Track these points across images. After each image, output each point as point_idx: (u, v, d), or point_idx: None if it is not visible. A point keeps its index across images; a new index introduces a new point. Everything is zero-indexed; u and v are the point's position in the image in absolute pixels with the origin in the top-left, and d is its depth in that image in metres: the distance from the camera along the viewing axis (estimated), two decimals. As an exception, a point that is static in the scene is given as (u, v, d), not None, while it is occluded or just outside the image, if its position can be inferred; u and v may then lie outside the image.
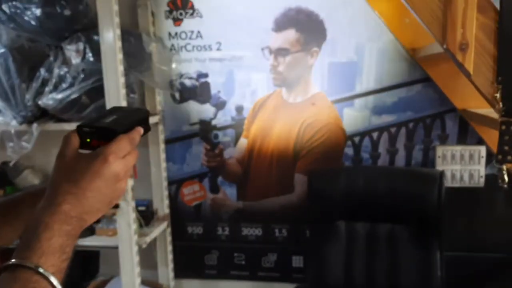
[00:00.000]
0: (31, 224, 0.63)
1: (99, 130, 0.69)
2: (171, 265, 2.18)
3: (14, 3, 1.69)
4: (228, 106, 2.04)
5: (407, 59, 1.88)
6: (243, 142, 2.06)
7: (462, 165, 1.91)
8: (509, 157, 1.23)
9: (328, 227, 1.84)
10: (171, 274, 2.19)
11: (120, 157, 0.68)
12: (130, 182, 1.77)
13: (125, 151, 0.69)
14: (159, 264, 2.18)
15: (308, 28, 1.92)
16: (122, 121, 0.72)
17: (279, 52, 1.95)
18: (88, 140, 0.69)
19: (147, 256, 2.10)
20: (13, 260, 0.59)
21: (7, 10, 1.69)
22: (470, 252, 1.98)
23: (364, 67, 1.93)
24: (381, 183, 1.78)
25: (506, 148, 1.22)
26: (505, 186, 1.30)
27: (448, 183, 1.89)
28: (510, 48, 1.19)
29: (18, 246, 0.62)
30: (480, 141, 1.88)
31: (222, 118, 2.05)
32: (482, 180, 1.90)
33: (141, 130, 0.73)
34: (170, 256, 2.17)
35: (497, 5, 1.20)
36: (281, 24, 1.93)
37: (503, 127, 1.20)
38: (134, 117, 0.76)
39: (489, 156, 1.87)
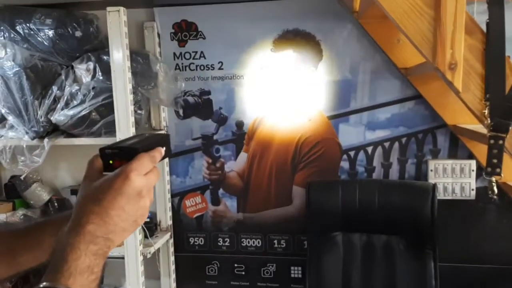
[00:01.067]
0: (58, 247, 0.63)
1: (121, 150, 0.70)
2: (173, 276, 2.22)
3: (28, 24, 1.77)
4: (229, 122, 2.10)
5: (399, 77, 1.93)
6: (243, 156, 2.12)
7: (454, 178, 1.94)
8: (497, 170, 1.25)
9: (325, 238, 1.86)
10: (174, 285, 2.23)
11: (141, 174, 0.67)
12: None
13: (147, 168, 0.68)
14: (162, 274, 2.21)
15: (305, 49, 1.98)
16: (143, 142, 0.74)
17: (278, 71, 2.02)
18: (110, 162, 0.69)
19: (150, 267, 2.13)
20: (43, 283, 0.59)
21: (22, 32, 1.77)
22: (463, 263, 2.00)
23: (359, 85, 1.99)
24: (376, 196, 1.81)
25: (495, 161, 1.24)
26: (495, 197, 1.32)
27: (441, 195, 1.92)
28: (497, 67, 1.22)
29: (47, 270, 0.61)
30: (470, 155, 1.92)
31: (223, 133, 2.11)
32: (473, 193, 1.92)
33: (161, 150, 0.73)
34: (172, 267, 2.21)
35: (484, 28, 1.26)
36: (279, 45, 2.00)
37: (492, 141, 1.23)
38: (155, 139, 0.76)
39: (480, 169, 1.90)
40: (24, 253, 0.79)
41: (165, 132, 2.11)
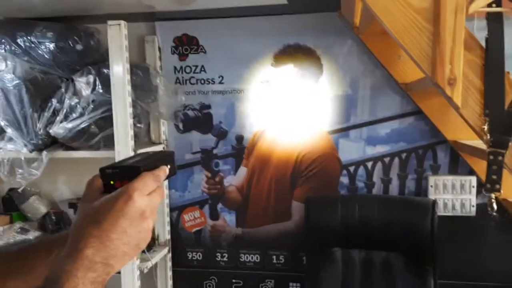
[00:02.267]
0: (52, 274, 0.58)
1: (122, 170, 0.66)
2: (171, 291, 2.20)
3: (29, 37, 1.77)
4: (229, 136, 2.10)
5: (399, 92, 1.93)
6: (242, 170, 2.12)
7: (454, 195, 1.93)
8: (497, 186, 1.25)
9: (324, 254, 1.85)
10: (171, 300, 2.21)
11: (144, 194, 0.63)
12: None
13: (150, 188, 0.64)
14: (160, 289, 2.20)
15: (305, 64, 1.99)
16: (146, 160, 0.70)
17: (278, 86, 2.02)
18: (111, 182, 0.65)
19: (147, 282, 2.11)
20: None
21: (22, 44, 1.78)
22: (463, 280, 1.98)
23: (359, 100, 1.99)
24: (376, 211, 1.81)
25: (494, 177, 1.24)
26: (494, 214, 1.32)
27: (441, 211, 1.91)
28: (496, 83, 1.22)
29: None
30: (470, 172, 1.91)
31: (223, 148, 2.11)
32: (474, 209, 1.92)
33: (166, 168, 0.69)
34: (170, 282, 2.19)
35: (483, 44, 1.27)
36: (280, 60, 2.01)
37: (491, 157, 1.23)
38: (158, 157, 0.73)
39: (480, 186, 1.89)
40: (14, 278, 0.73)
41: (168, 149, 2.12)
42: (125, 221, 0.61)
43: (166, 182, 2.12)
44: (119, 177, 0.65)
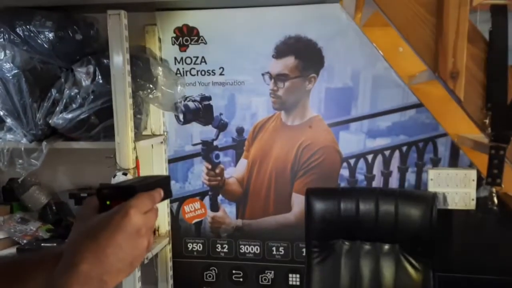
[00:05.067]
0: None
1: (118, 190, 0.68)
2: (171, 281, 2.20)
3: (28, 27, 1.76)
4: (230, 128, 2.09)
5: (400, 85, 1.93)
6: (243, 162, 2.11)
7: (454, 188, 1.93)
8: (498, 180, 1.24)
9: (324, 246, 1.86)
10: (171, 291, 2.22)
11: (141, 212, 0.64)
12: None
13: (146, 207, 0.65)
14: (159, 280, 2.20)
15: (306, 56, 1.98)
16: (142, 182, 0.71)
17: (279, 78, 2.01)
18: (108, 202, 0.66)
19: (148, 272, 2.12)
20: None
21: (21, 34, 1.76)
22: (462, 273, 1.99)
23: (360, 92, 1.99)
24: (375, 204, 1.80)
25: (495, 171, 1.22)
26: (495, 208, 1.32)
27: (441, 205, 1.91)
28: (499, 76, 1.20)
29: None
30: (471, 165, 1.91)
31: (223, 139, 2.11)
32: (473, 203, 1.92)
33: (161, 191, 0.70)
34: (170, 272, 2.20)
35: (487, 37, 1.26)
36: (281, 51, 2.00)
37: (492, 151, 1.21)
38: (154, 180, 0.74)
39: (480, 179, 1.89)
40: None
41: (167, 140, 2.11)
42: (120, 236, 0.61)
43: (166, 174, 2.12)
44: (115, 198, 0.66)
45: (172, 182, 2.16)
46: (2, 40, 1.78)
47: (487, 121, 1.23)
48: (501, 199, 1.72)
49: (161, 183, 0.73)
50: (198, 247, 2.21)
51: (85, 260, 0.58)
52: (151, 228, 0.66)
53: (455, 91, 1.22)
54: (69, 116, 1.75)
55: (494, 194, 1.31)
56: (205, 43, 2.05)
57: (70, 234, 0.64)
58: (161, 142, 2.10)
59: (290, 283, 2.17)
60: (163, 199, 0.71)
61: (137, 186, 0.67)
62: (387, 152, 2.01)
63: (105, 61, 1.78)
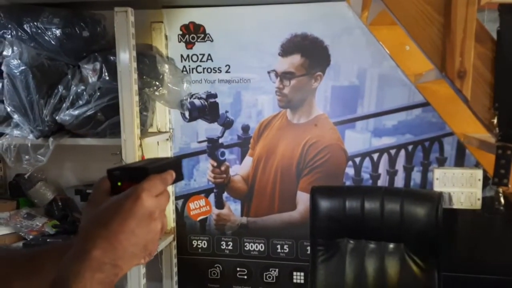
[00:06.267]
0: (60, 276, 0.57)
1: (130, 171, 0.67)
2: (175, 278, 2.21)
3: (36, 23, 1.77)
4: (235, 126, 2.10)
5: (407, 84, 1.92)
6: (248, 160, 2.11)
7: (460, 187, 1.92)
8: (505, 180, 1.23)
9: (329, 244, 1.85)
10: (175, 287, 2.22)
11: (153, 195, 0.62)
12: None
13: (158, 190, 0.63)
14: (164, 276, 2.20)
15: (312, 54, 1.98)
16: (153, 164, 0.69)
17: (285, 76, 2.01)
18: (119, 184, 0.64)
19: (152, 269, 2.13)
20: None
21: (29, 30, 1.78)
22: (468, 273, 1.99)
23: (366, 91, 1.98)
24: (381, 203, 1.79)
25: (502, 171, 1.22)
26: (501, 208, 1.32)
27: (446, 204, 1.91)
28: (507, 76, 1.20)
29: None
30: (477, 165, 1.91)
31: (229, 137, 2.11)
32: (479, 203, 1.91)
33: (173, 173, 0.68)
34: (174, 269, 2.20)
35: (495, 36, 1.25)
36: (287, 49, 2.00)
37: (500, 151, 1.21)
38: (165, 162, 0.72)
39: (486, 179, 1.88)
40: (19, 281, 0.71)
41: (174, 137, 2.12)
42: (133, 222, 0.59)
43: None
44: (126, 179, 0.64)
45: (178, 179, 2.16)
46: (9, 36, 1.79)
47: (494, 120, 1.22)
48: (508, 199, 1.71)
49: (173, 165, 0.70)
50: (203, 244, 2.22)
51: (97, 246, 0.57)
52: (164, 211, 0.65)
53: (462, 90, 1.22)
54: (76, 112, 1.76)
55: (500, 194, 1.30)
56: (212, 41, 2.05)
57: (81, 218, 0.63)
58: (167, 139, 2.11)
59: (295, 281, 2.17)
60: (174, 182, 0.69)
61: (149, 168, 0.65)
62: (392, 151, 2.01)
63: (111, 58, 1.78)
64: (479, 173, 1.91)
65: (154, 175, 0.64)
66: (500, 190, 1.28)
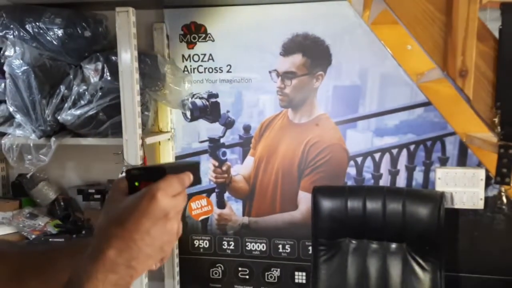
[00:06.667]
0: (74, 275, 0.58)
1: (147, 171, 0.66)
2: (177, 278, 2.21)
3: (38, 23, 1.77)
4: (236, 125, 2.09)
5: (409, 83, 1.92)
6: (250, 160, 2.11)
7: (462, 187, 1.92)
8: (507, 179, 1.23)
9: (330, 244, 1.86)
10: (177, 287, 2.22)
11: (169, 195, 0.61)
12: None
13: (175, 190, 0.62)
14: (166, 276, 2.20)
15: (314, 53, 1.98)
16: (172, 165, 0.70)
17: (286, 75, 2.01)
18: (136, 183, 0.64)
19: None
20: None
21: (31, 30, 1.78)
22: (470, 273, 1.98)
23: (367, 90, 1.98)
24: (382, 203, 1.80)
25: (504, 170, 1.22)
26: (503, 207, 1.32)
27: (448, 204, 1.90)
28: (509, 75, 1.20)
29: None
30: (479, 164, 1.90)
31: (230, 137, 2.11)
32: (482, 202, 1.90)
33: (190, 174, 0.67)
34: (176, 269, 2.20)
35: (497, 35, 1.25)
36: (288, 49, 1.99)
37: (502, 150, 1.21)
38: (184, 164, 0.73)
39: (488, 179, 1.88)
40: (33, 278, 0.71)
41: (175, 137, 2.12)
42: (148, 222, 0.59)
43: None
44: (144, 178, 0.64)
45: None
46: (12, 36, 1.79)
47: (496, 120, 1.23)
48: (510, 199, 1.71)
49: (191, 168, 0.70)
50: (205, 244, 2.22)
51: (112, 246, 0.57)
52: (180, 212, 0.64)
53: (464, 89, 1.22)
54: (78, 112, 1.76)
55: (503, 194, 1.31)
56: (213, 41, 2.05)
57: (99, 218, 0.63)
58: (169, 139, 2.11)
59: (296, 281, 2.17)
60: (192, 185, 0.68)
61: (167, 168, 0.65)
62: (394, 151, 2.00)
63: (113, 58, 1.78)
64: (481, 173, 1.90)
65: (171, 175, 0.64)
66: (502, 189, 1.29)
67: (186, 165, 0.71)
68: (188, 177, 0.66)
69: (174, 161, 0.67)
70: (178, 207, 0.63)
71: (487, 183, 1.90)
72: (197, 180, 0.70)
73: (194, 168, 0.71)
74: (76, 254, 0.62)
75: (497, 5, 1.19)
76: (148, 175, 0.64)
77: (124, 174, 0.66)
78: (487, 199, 1.91)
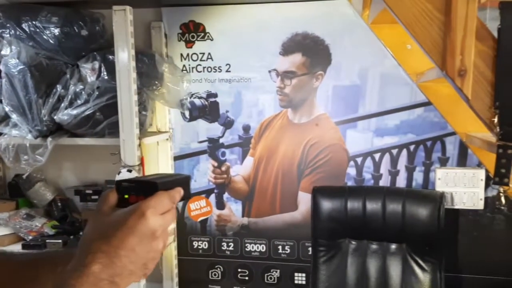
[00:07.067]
0: (57, 287, 0.57)
1: (138, 184, 0.65)
2: (176, 279, 2.20)
3: (34, 22, 1.76)
4: (236, 125, 2.08)
5: (408, 83, 1.91)
6: (249, 160, 2.10)
7: (462, 187, 1.91)
8: (505, 180, 1.22)
9: (330, 245, 1.85)
10: (176, 288, 2.21)
11: (158, 213, 0.61)
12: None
13: (164, 208, 0.63)
14: (164, 277, 2.19)
15: (314, 53, 1.96)
16: (163, 179, 0.69)
17: (286, 75, 2.00)
18: (126, 196, 0.64)
19: (153, 270, 2.12)
20: None
21: (27, 29, 1.77)
22: (470, 274, 1.98)
23: (367, 90, 1.97)
24: (382, 203, 1.80)
25: (503, 170, 1.21)
26: (502, 207, 1.31)
27: (448, 204, 1.90)
28: (507, 74, 1.19)
29: None
30: (479, 164, 1.90)
31: (230, 137, 2.10)
32: (482, 203, 1.90)
33: (181, 190, 0.67)
34: (175, 270, 2.19)
35: (495, 34, 1.24)
36: (288, 48, 1.98)
37: (500, 150, 1.20)
38: (175, 178, 0.72)
39: (488, 179, 1.87)
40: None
41: (173, 137, 2.11)
42: (135, 239, 0.59)
43: (172, 171, 2.12)
44: (134, 192, 0.64)
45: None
46: (8, 35, 1.79)
47: (495, 119, 1.22)
48: (509, 199, 1.70)
49: (182, 182, 0.70)
50: (204, 245, 2.20)
51: (96, 261, 0.57)
52: (168, 230, 0.64)
53: (462, 89, 1.21)
54: (74, 112, 1.75)
55: (502, 194, 1.30)
56: (212, 40, 2.04)
57: (84, 229, 0.63)
58: (167, 139, 2.10)
59: (296, 282, 2.16)
60: (181, 200, 0.68)
61: (159, 183, 0.65)
62: (394, 151, 1.99)
63: (110, 57, 1.77)
64: (481, 173, 1.90)
65: (162, 192, 0.64)
66: (501, 189, 1.28)
67: (177, 180, 0.71)
68: (179, 193, 0.66)
69: (165, 173, 0.66)
70: (166, 225, 0.63)
71: (487, 183, 1.89)
72: (186, 195, 0.70)
73: (185, 183, 0.71)
74: (58, 266, 0.61)
75: (496, 4, 1.18)
76: (139, 189, 0.64)
77: (114, 186, 0.65)
78: (487, 200, 1.90)
